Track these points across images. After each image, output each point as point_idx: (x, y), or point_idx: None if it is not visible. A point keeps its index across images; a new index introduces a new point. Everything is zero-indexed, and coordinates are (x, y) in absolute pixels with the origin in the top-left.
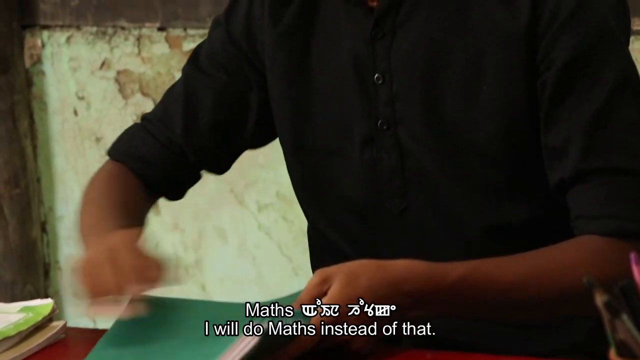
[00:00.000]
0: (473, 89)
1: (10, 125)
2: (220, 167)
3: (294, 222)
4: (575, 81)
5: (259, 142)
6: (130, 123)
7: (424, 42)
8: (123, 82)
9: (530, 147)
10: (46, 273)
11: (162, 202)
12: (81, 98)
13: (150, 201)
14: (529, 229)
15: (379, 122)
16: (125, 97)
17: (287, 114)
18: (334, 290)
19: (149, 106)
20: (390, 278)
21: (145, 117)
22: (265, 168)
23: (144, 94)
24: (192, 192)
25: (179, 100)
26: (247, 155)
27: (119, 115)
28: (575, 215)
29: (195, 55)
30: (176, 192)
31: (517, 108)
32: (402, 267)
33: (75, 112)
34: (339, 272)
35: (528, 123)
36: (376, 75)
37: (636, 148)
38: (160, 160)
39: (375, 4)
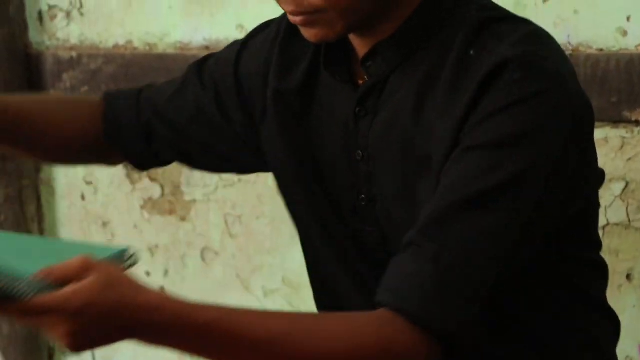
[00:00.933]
0: (432, 175)
1: (18, 210)
2: (166, 159)
3: (300, 308)
4: (471, 161)
5: (202, 166)
6: (137, 208)
7: (397, 126)
8: (131, 168)
9: None
10: (50, 357)
11: (169, 286)
12: (89, 183)
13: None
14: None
15: (361, 196)
16: (132, 182)
17: (286, 170)
18: (87, 282)
19: (156, 191)
20: (144, 304)
21: (146, 85)
22: (271, 253)
23: (152, 179)
24: (198, 277)
25: (169, 92)
26: (253, 241)
27: (126, 200)
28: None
29: (204, 60)
30: (140, 158)
31: None
32: (157, 296)
33: (83, 197)
34: (103, 271)
35: None
36: (358, 151)
37: (472, 253)
38: (131, 125)
39: (362, 82)
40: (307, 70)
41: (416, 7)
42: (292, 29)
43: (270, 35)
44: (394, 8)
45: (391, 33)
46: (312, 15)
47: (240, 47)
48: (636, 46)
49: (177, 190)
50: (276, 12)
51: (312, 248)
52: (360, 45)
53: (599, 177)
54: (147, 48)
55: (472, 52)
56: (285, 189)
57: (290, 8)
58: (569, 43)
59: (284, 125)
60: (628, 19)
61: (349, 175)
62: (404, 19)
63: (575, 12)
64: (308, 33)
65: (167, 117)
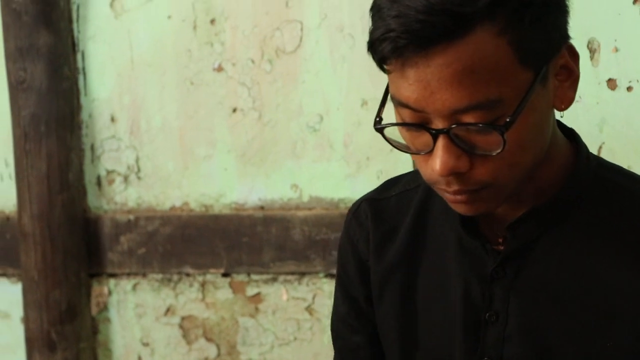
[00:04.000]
0: (595, 343)
1: None
2: None
3: None
4: None
5: None
6: None
7: (549, 290)
8: (187, 328)
9: None
10: None
11: None
12: (145, 344)
13: None
14: None
15: None
16: (189, 342)
17: (394, 350)
18: None
19: (212, 351)
20: None
21: None
22: None
23: (208, 339)
24: None
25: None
26: None
27: None
28: None
29: (334, 325)
30: None
31: None
32: None
33: (140, 359)
34: None
35: None
36: (488, 314)
37: None
38: None
39: (497, 247)
40: (406, 241)
41: (562, 174)
42: (376, 210)
43: (356, 231)
44: (536, 172)
45: (540, 198)
46: (477, 193)
47: (343, 283)
48: None
49: (233, 349)
50: (329, 171)
51: None
52: (505, 210)
53: None
54: (203, 209)
55: None
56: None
57: (454, 188)
58: None
59: (390, 300)
60: None
61: (469, 339)
62: (548, 182)
63: (629, 167)
64: (465, 208)
65: None
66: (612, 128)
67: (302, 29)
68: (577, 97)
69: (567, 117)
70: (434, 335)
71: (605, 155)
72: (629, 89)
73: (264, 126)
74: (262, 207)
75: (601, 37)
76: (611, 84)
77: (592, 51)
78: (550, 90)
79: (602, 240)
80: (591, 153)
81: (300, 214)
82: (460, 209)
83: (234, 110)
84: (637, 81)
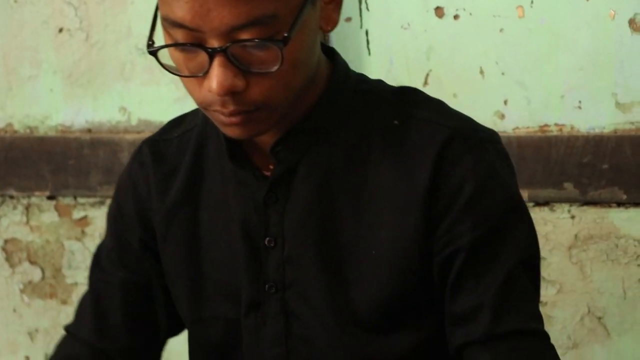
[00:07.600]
0: (363, 254)
1: None
2: None
3: None
4: (482, 257)
5: (176, 329)
6: (17, 292)
7: (318, 208)
8: (10, 251)
9: (419, 314)
10: None
11: None
12: None
13: None
14: None
15: (267, 285)
16: (12, 265)
17: (183, 287)
18: None
19: (36, 274)
20: None
21: (66, 328)
22: None
23: (32, 263)
24: None
25: (88, 307)
26: None
27: (5, 285)
28: None
29: (97, 256)
30: None
31: (408, 274)
32: None
33: None
34: None
35: (419, 290)
36: (267, 239)
37: (534, 312)
38: None
39: (269, 173)
40: (187, 180)
41: (321, 93)
42: (156, 151)
43: (137, 172)
44: (301, 95)
45: (300, 119)
46: (251, 113)
47: (117, 212)
48: (513, 129)
49: (58, 273)
50: (159, 94)
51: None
52: (270, 135)
53: None
54: (28, 131)
55: (396, 122)
56: (179, 300)
57: (229, 108)
58: None
59: (176, 240)
60: (505, 102)
61: (252, 267)
62: (310, 104)
63: (455, 95)
64: (239, 131)
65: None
66: (439, 56)
67: None
68: (405, 25)
69: (395, 43)
70: (220, 269)
71: (432, 82)
72: (456, 17)
73: (92, 47)
74: (89, 130)
75: None
76: (439, 11)
77: None
78: (318, 11)
79: (363, 152)
80: (353, 71)
81: (129, 137)
82: (234, 132)
83: (60, 30)
84: (464, 9)
